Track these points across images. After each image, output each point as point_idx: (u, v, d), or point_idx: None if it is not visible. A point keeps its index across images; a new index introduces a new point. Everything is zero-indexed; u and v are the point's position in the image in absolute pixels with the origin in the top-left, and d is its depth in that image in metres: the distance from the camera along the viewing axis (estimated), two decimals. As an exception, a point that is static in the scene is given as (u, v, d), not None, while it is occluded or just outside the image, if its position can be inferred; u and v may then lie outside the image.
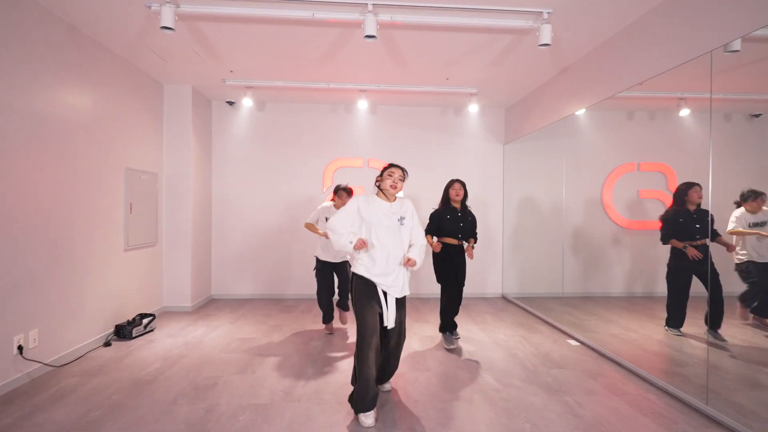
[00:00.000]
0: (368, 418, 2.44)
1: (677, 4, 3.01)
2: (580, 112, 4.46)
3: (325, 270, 4.17)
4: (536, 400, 2.80)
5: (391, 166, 2.69)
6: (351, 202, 2.67)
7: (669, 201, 5.46)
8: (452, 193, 3.89)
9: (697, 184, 3.18)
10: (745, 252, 3.07)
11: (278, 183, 6.01)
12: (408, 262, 2.59)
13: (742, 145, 4.88)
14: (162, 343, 3.92)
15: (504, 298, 6.23)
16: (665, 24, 3.11)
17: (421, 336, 4.24)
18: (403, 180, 2.66)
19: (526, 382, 3.10)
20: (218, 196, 5.97)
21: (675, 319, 3.50)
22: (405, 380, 3.11)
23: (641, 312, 5.20)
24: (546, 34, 3.10)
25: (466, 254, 3.93)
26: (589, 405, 2.74)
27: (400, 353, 2.78)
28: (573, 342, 4.08)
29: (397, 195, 2.74)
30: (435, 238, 3.94)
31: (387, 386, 2.91)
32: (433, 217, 3.93)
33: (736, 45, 2.77)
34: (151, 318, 4.31)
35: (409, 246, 2.69)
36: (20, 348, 2.96)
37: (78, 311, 3.60)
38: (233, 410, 2.61)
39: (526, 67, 4.48)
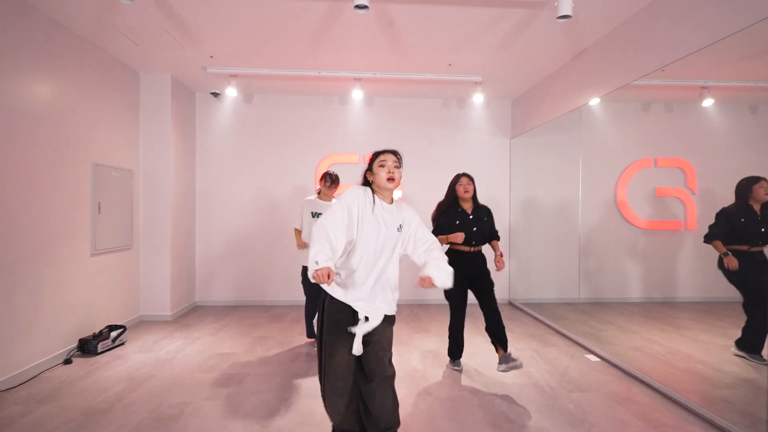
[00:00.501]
0: None
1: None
2: (595, 101, 4.03)
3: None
4: (558, 434, 2.36)
5: (381, 153, 2.02)
6: (347, 197, 1.94)
7: (688, 199, 5.05)
8: (460, 190, 3.19)
9: (763, 179, 2.71)
10: None
11: (268, 181, 5.57)
12: (423, 283, 1.90)
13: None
14: (130, 360, 3.49)
15: (511, 304, 5.79)
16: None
17: (422, 350, 3.80)
18: (399, 167, 2.00)
19: (545, 409, 2.65)
20: (203, 195, 5.54)
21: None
22: (402, 406, 2.67)
23: (661, 320, 4.77)
24: (566, 4, 2.66)
25: (495, 264, 3.21)
26: (621, 441, 2.30)
27: (389, 392, 1.94)
28: (592, 357, 3.64)
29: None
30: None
31: None
32: (438, 210, 3.29)
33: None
34: (121, 330, 3.87)
35: (424, 264, 2.00)
36: (-49, 372, 2.53)
37: (33, 324, 3.17)
38: (196, 450, 2.18)
39: (537, 51, 4.03)
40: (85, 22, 3.46)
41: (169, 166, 4.76)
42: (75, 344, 3.61)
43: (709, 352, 3.79)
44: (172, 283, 4.81)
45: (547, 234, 5.71)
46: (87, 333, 3.76)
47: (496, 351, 3.22)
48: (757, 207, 2.76)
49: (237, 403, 2.72)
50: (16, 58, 3.01)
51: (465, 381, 3.11)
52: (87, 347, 3.58)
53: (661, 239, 5.24)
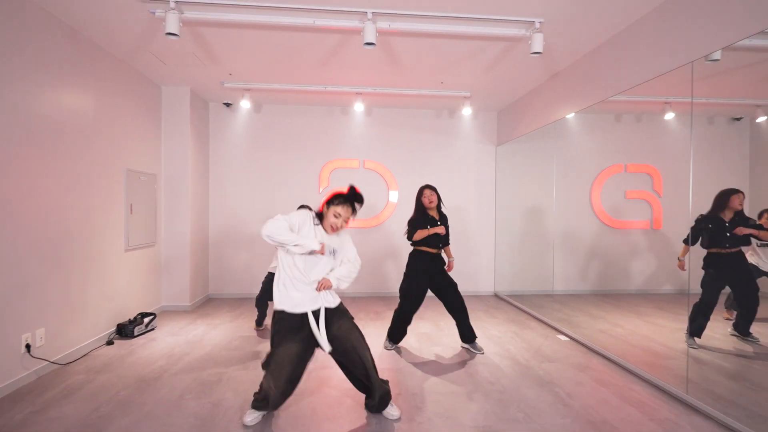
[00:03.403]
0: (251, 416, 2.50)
1: (663, 15, 3.17)
2: (570, 115, 4.63)
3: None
4: (528, 392, 2.95)
5: (336, 201, 2.47)
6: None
7: (655, 201, 5.69)
8: (425, 201, 3.64)
9: (740, 192, 3.14)
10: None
11: (274, 184, 6.09)
12: (322, 285, 2.39)
13: (724, 146, 5.08)
14: (164, 342, 4.00)
15: (496, 296, 6.40)
16: (653, 33, 3.27)
17: (417, 333, 4.37)
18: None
19: (519, 375, 3.25)
20: (215, 198, 6.04)
21: (695, 328, 3.35)
22: (402, 374, 3.24)
23: (628, 309, 5.39)
24: (538, 43, 3.24)
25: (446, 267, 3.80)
26: (578, 396, 2.89)
27: (366, 363, 2.47)
28: (563, 337, 4.25)
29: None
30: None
31: (394, 413, 2.58)
32: (412, 224, 3.68)
33: (717, 55, 2.94)
34: (152, 317, 4.38)
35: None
36: (28, 346, 3.03)
37: (80, 310, 3.67)
38: (240, 404, 2.72)
39: (518, 72, 4.63)
40: (124, 46, 3.96)
41: (188, 171, 5.27)
42: (114, 328, 4.12)
43: (663, 333, 4.42)
44: (191, 277, 5.32)
45: (529, 232, 6.32)
46: (123, 319, 4.26)
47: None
48: (728, 215, 3.16)
49: (265, 372, 3.26)
50: (67, 79, 3.51)
51: (454, 356, 3.69)
52: (124, 331, 4.09)
53: (631, 238, 5.88)
